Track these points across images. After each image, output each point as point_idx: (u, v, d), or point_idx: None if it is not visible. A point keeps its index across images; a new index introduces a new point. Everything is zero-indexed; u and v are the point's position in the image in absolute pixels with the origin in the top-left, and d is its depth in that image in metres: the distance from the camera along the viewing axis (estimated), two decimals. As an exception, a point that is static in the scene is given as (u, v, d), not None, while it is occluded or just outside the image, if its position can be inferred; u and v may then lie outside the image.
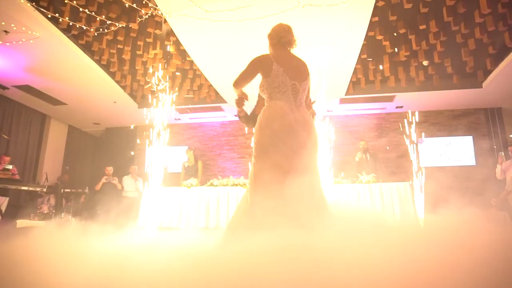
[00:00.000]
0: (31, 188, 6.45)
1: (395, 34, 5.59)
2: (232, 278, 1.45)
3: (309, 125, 2.18)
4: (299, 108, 2.18)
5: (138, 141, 6.97)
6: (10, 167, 6.43)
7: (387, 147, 5.68)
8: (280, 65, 2.17)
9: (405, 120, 6.59)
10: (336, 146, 6.82)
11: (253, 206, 2.03)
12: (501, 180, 6.28)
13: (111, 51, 6.11)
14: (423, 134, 7.31)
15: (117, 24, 5.09)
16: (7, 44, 5.29)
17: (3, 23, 4.82)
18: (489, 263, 1.67)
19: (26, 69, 6.29)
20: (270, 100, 2.22)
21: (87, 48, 5.99)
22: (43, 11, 4.72)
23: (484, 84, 7.05)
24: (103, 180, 7.37)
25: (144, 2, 4.67)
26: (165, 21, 4.99)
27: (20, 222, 5.21)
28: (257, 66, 2.25)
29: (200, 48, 5.74)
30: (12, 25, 4.86)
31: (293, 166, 2.01)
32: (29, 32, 5.01)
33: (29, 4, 4.55)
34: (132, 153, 7.91)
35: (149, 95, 6.16)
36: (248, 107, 2.50)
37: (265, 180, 2.01)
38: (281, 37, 2.30)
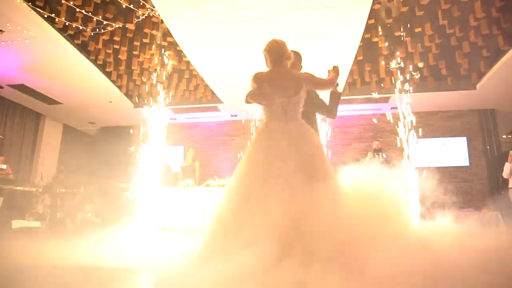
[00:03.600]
0: (26, 188, 6.41)
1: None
2: None
3: (300, 137, 2.23)
4: (289, 123, 2.27)
5: (131, 148, 6.80)
6: (4, 166, 6.38)
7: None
8: (269, 85, 2.28)
9: (400, 121, 6.64)
10: (331, 146, 6.86)
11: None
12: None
13: (107, 51, 6.09)
14: (414, 135, 7.36)
15: (113, 24, 5.08)
16: (2, 43, 5.24)
17: (-2, 23, 4.79)
18: (486, 265, 1.71)
19: (21, 68, 6.25)
20: (264, 120, 2.37)
21: (83, 48, 5.96)
22: (39, 11, 4.69)
23: (478, 86, 7.12)
24: (79, 217, 6.86)
25: (141, 3, 4.66)
26: (162, 21, 4.98)
27: (15, 223, 5.19)
28: (252, 84, 2.37)
29: (196, 49, 5.74)
30: (8, 24, 4.82)
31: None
32: (25, 31, 4.98)
33: (25, 4, 4.52)
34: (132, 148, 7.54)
35: (148, 94, 6.14)
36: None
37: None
38: (271, 54, 2.42)
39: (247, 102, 2.47)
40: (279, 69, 2.40)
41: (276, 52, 2.42)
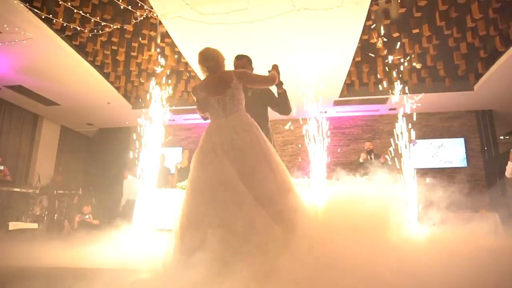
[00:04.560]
0: (23, 190, 6.38)
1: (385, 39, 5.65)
2: None
3: (241, 129, 2.29)
4: (229, 117, 2.33)
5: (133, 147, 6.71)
6: (2, 168, 6.36)
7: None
8: (202, 90, 2.41)
9: (398, 122, 6.64)
10: (330, 147, 6.86)
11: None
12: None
13: (105, 52, 6.08)
14: (413, 136, 7.38)
15: (111, 25, 5.07)
16: (-1, 44, 5.23)
17: (-5, 24, 4.77)
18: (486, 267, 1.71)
19: (18, 69, 6.22)
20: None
21: (81, 49, 5.95)
22: (36, 12, 4.68)
23: (475, 87, 7.15)
24: (77, 219, 6.78)
25: (139, 4, 4.65)
26: (160, 23, 4.98)
27: (13, 224, 5.16)
28: (193, 96, 2.53)
29: (195, 50, 5.71)
30: (5, 25, 4.81)
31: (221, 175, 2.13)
32: (22, 32, 4.96)
33: (22, 5, 4.51)
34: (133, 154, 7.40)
35: (147, 95, 6.11)
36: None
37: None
38: (201, 67, 2.50)
39: (203, 118, 2.60)
40: (210, 74, 2.47)
41: (203, 61, 2.47)
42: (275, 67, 2.72)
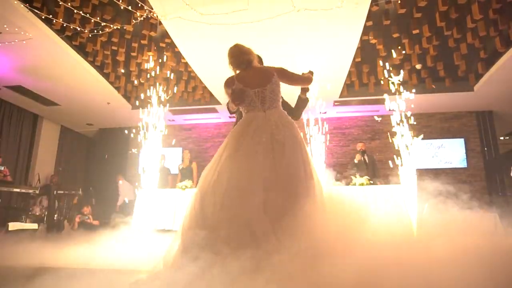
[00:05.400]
0: (23, 190, 6.37)
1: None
2: None
3: (281, 125, 2.24)
4: (267, 112, 2.29)
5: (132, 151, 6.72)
6: (2, 168, 6.36)
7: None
8: (240, 81, 2.35)
9: (398, 122, 6.64)
10: (330, 148, 6.87)
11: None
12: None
13: (105, 52, 6.08)
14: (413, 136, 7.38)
15: (111, 25, 5.07)
16: None
17: (-5, 24, 4.77)
18: (481, 265, 1.72)
19: (18, 69, 6.22)
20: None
21: (81, 49, 5.95)
22: (36, 12, 4.69)
23: (475, 87, 7.15)
24: (77, 219, 6.84)
25: (139, 5, 4.65)
26: (160, 23, 4.98)
27: (12, 225, 5.16)
28: (226, 90, 2.44)
29: (195, 51, 5.73)
30: (5, 25, 4.81)
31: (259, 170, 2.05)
32: (22, 33, 4.96)
33: (22, 5, 4.51)
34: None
35: (147, 95, 6.12)
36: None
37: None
38: (237, 60, 2.47)
39: (231, 112, 2.56)
40: (247, 68, 2.44)
41: (241, 55, 2.46)
42: (311, 73, 2.73)
